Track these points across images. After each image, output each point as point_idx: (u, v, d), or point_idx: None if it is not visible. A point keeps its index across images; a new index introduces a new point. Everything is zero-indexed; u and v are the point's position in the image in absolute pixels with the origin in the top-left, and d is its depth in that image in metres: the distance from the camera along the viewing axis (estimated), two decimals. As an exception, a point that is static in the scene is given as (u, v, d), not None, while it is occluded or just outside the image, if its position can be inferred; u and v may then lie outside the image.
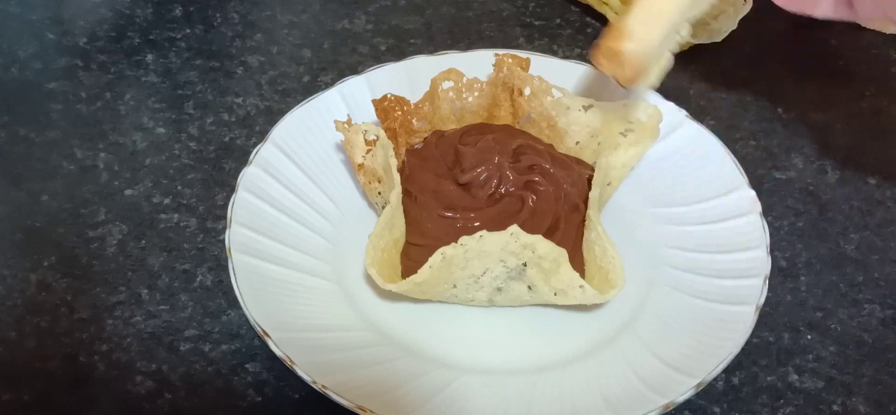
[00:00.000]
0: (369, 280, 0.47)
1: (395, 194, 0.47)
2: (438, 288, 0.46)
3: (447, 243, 0.43)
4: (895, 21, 0.39)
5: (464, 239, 0.43)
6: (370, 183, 0.50)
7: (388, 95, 0.53)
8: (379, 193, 0.51)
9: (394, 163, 0.48)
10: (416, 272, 0.44)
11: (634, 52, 0.41)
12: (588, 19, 0.69)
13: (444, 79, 0.54)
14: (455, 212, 0.49)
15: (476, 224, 0.48)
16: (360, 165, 0.50)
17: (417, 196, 0.50)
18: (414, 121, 0.54)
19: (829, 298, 0.51)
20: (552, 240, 0.44)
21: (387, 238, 0.47)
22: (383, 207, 0.47)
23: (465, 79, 0.54)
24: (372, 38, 0.67)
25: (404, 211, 0.49)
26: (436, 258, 0.43)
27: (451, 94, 0.55)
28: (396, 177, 0.47)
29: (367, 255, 0.45)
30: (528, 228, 0.44)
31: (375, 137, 0.50)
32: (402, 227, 0.49)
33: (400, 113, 0.54)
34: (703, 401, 0.46)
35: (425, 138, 0.54)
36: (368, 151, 0.50)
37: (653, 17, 0.41)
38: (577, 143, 0.54)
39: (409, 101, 0.54)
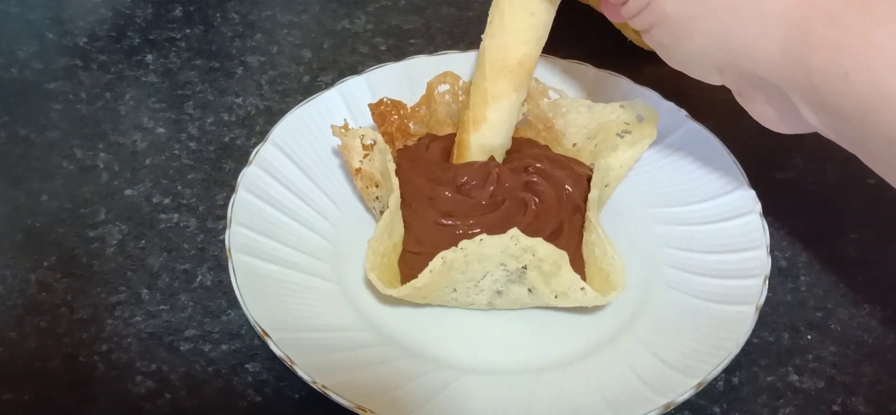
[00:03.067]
0: (369, 281, 0.47)
1: (394, 199, 0.46)
2: (438, 292, 0.46)
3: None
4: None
5: (464, 243, 0.43)
6: (367, 188, 0.50)
7: (384, 99, 0.53)
8: (376, 198, 0.50)
9: (392, 167, 0.48)
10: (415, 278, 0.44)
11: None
12: (588, 20, 0.69)
13: (440, 82, 0.54)
14: (454, 219, 0.48)
15: (476, 231, 0.47)
16: (358, 170, 0.50)
17: (412, 203, 0.49)
18: (411, 124, 0.54)
19: (829, 298, 0.51)
20: (556, 244, 0.43)
21: (386, 243, 0.46)
22: (381, 212, 0.47)
23: (461, 81, 0.54)
24: (372, 38, 0.67)
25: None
26: (436, 262, 0.43)
27: (447, 97, 0.54)
28: (395, 181, 0.47)
29: (367, 260, 0.45)
30: (531, 232, 0.43)
31: (373, 142, 0.49)
32: (401, 231, 0.48)
33: (396, 117, 0.53)
34: (703, 401, 0.45)
35: (418, 139, 0.53)
36: (366, 156, 0.50)
37: (504, 131, 0.51)
38: (575, 144, 0.54)
39: (405, 104, 0.54)
